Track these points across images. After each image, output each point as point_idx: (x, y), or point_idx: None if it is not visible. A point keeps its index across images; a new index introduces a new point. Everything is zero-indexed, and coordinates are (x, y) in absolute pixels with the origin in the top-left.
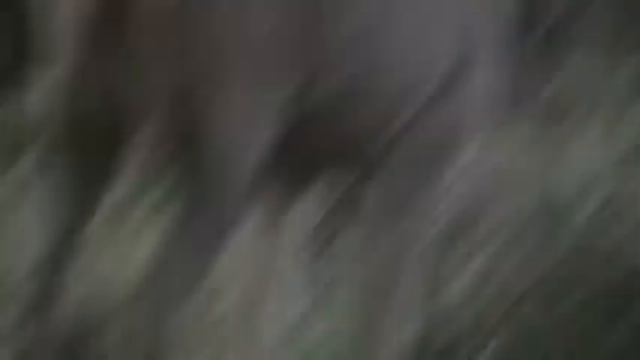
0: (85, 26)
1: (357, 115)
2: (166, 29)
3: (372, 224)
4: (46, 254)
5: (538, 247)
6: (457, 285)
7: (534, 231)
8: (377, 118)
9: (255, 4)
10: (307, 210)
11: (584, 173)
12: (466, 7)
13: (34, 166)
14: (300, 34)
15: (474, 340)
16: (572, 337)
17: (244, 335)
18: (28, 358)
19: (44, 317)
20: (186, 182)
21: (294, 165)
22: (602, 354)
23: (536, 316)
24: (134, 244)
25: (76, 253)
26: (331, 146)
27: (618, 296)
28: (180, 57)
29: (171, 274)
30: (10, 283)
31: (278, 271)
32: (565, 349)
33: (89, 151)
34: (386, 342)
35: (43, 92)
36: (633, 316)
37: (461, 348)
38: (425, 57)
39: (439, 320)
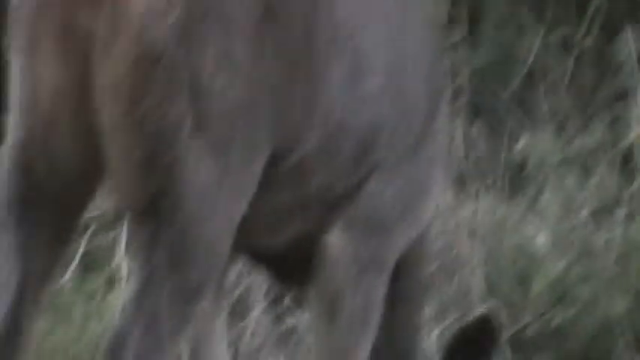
0: (54, 99)
1: (322, 175)
2: (128, 100)
3: (340, 279)
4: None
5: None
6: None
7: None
8: (341, 177)
9: (224, 74)
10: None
11: (558, 225)
12: (431, 67)
13: None
14: (272, 102)
15: None
16: None
17: None
18: None
19: None
20: (151, 251)
21: (254, 233)
22: None
23: None
24: (91, 316)
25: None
26: (295, 206)
27: (594, 345)
28: (145, 125)
29: (131, 347)
30: None
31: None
32: None
33: (50, 214)
34: None
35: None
36: None
37: None
38: (395, 113)
39: None
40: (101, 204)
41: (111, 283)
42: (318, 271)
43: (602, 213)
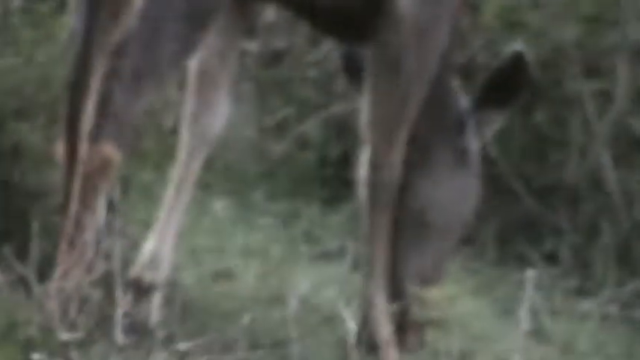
0: None
1: None
2: None
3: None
4: None
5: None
6: None
7: None
8: None
9: None
10: None
11: None
12: None
13: None
14: None
15: None
16: None
17: None
18: None
19: None
20: None
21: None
22: None
23: None
24: (39, 42)
25: None
26: None
27: (545, 72)
28: None
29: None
30: None
31: None
32: None
33: None
34: None
35: None
36: None
37: None
38: None
39: None
40: None
41: (60, 9)
42: (383, 29)
43: None
